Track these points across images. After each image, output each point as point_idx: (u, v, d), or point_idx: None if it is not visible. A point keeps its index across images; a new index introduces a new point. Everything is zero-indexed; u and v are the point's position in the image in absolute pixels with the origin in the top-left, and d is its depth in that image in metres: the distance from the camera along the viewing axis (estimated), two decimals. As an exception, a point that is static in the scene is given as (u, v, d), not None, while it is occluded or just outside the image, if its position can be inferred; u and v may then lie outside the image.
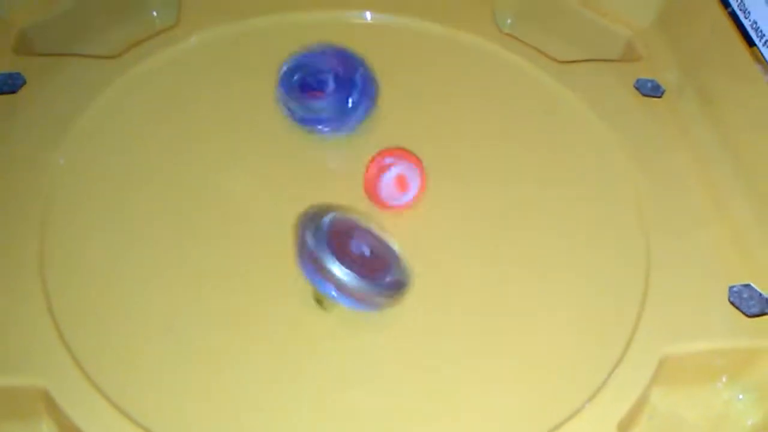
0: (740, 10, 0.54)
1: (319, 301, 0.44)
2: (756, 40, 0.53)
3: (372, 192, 0.48)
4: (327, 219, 0.44)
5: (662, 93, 0.58)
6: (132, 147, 0.52)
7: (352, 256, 0.43)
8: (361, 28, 0.61)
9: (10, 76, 0.53)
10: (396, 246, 0.46)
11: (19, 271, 0.44)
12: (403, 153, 0.49)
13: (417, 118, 0.55)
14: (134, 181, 0.50)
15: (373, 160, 0.48)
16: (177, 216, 0.49)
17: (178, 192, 0.50)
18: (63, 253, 0.46)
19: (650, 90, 0.59)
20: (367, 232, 0.46)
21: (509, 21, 0.67)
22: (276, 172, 0.52)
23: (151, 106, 0.54)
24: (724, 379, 0.46)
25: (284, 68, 0.52)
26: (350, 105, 0.51)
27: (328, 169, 0.53)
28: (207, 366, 0.42)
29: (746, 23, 0.54)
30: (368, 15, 0.62)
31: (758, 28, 0.53)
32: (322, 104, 0.51)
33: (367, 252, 0.44)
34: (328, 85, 0.51)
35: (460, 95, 0.58)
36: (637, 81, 0.59)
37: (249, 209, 0.49)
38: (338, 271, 0.41)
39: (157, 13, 0.65)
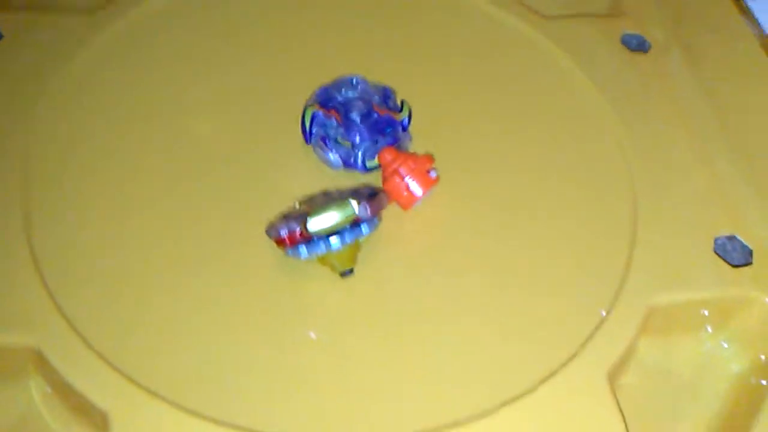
0: (727, -38, 0.55)
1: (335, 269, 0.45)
2: (743, -7, 0.53)
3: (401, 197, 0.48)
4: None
5: (648, 48, 0.58)
6: (112, 101, 0.51)
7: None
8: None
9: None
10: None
11: (3, 229, 0.44)
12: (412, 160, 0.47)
13: (401, 72, 0.55)
14: (115, 135, 0.50)
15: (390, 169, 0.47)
16: (160, 167, 0.48)
17: (158, 143, 0.50)
18: (47, 209, 0.45)
19: (636, 46, 0.59)
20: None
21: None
22: (255, 123, 0.51)
23: (130, 61, 0.54)
24: (709, 329, 0.47)
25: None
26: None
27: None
28: (198, 318, 0.42)
29: (733, -24, 0.54)
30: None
31: (745, -19, 0.53)
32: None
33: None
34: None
35: (444, 49, 0.58)
36: (623, 36, 0.59)
37: (229, 156, 0.50)
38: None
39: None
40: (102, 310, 0.42)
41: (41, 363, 0.40)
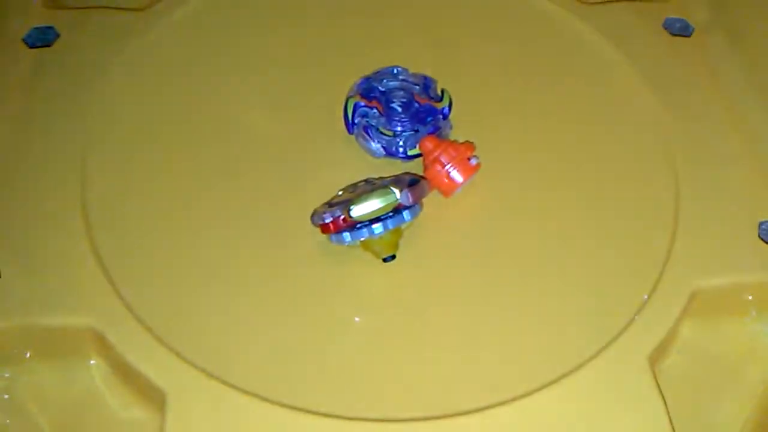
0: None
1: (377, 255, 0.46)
2: (789, -26, 0.52)
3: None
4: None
5: (691, 32, 0.58)
6: (164, 93, 0.53)
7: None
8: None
9: (44, 30, 0.54)
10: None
11: (62, 215, 0.46)
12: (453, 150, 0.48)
13: (441, 62, 0.55)
14: (168, 127, 0.52)
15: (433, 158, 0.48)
16: (210, 159, 0.50)
17: (208, 136, 0.51)
18: (104, 196, 0.47)
19: (679, 29, 0.58)
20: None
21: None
22: (299, 116, 0.53)
23: (179, 57, 0.56)
24: (753, 313, 0.47)
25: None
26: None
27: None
28: (249, 301, 0.44)
29: (779, -44, 0.53)
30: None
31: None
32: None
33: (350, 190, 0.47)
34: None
35: (483, 38, 0.58)
36: (666, 20, 0.58)
37: (275, 149, 0.51)
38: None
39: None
40: (158, 293, 0.44)
41: (101, 343, 0.42)
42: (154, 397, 0.41)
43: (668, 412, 0.40)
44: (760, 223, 0.47)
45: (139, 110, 0.52)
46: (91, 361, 0.44)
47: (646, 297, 0.44)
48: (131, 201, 0.48)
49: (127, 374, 0.42)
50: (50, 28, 0.54)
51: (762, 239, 0.47)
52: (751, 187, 0.49)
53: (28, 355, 0.43)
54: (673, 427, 0.39)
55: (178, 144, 0.51)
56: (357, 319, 0.45)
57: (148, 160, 0.50)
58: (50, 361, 0.43)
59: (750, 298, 0.46)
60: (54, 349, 0.43)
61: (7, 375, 0.43)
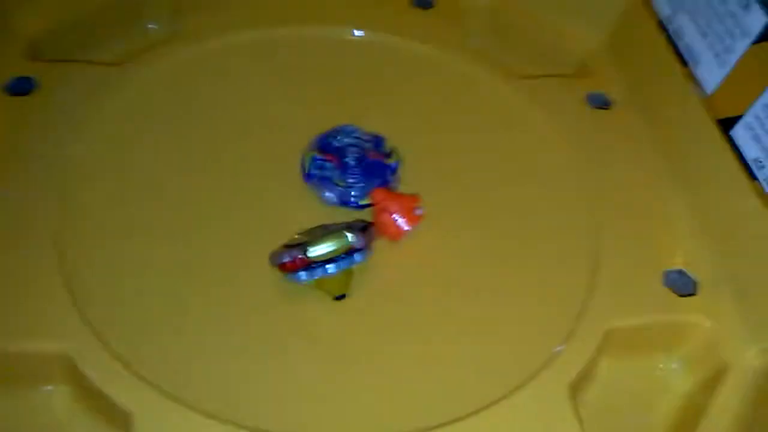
0: (675, 34, 0.62)
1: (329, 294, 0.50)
2: (688, 61, 0.61)
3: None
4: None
5: (610, 106, 0.66)
6: (137, 143, 0.58)
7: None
8: (337, 44, 0.68)
9: (22, 80, 0.58)
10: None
11: (32, 239, 0.49)
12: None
13: (391, 123, 0.61)
14: (139, 173, 0.56)
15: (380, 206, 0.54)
16: (179, 204, 0.55)
17: (177, 183, 0.56)
18: (78, 226, 0.51)
19: (599, 103, 0.66)
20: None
21: (476, 38, 0.73)
22: (262, 166, 0.58)
23: (153, 108, 0.60)
24: (660, 351, 0.53)
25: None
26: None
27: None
28: (211, 331, 0.48)
29: (680, 45, 0.62)
30: (344, 31, 0.68)
31: (690, 50, 0.60)
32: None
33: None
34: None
35: (429, 104, 0.65)
36: (588, 95, 0.66)
37: (239, 196, 0.56)
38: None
39: (151, 25, 0.70)
40: (128, 318, 0.47)
41: (67, 370, 0.45)
42: (119, 422, 0.43)
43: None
44: (665, 272, 0.54)
45: (115, 158, 0.56)
46: (48, 388, 0.46)
47: (559, 348, 0.49)
48: (105, 232, 0.52)
49: (94, 401, 0.45)
50: (29, 78, 0.58)
51: (667, 286, 0.53)
52: (659, 240, 0.56)
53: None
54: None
55: (148, 189, 0.55)
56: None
57: (120, 201, 0.54)
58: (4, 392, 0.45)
59: (657, 337, 0.52)
60: (18, 376, 0.46)
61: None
